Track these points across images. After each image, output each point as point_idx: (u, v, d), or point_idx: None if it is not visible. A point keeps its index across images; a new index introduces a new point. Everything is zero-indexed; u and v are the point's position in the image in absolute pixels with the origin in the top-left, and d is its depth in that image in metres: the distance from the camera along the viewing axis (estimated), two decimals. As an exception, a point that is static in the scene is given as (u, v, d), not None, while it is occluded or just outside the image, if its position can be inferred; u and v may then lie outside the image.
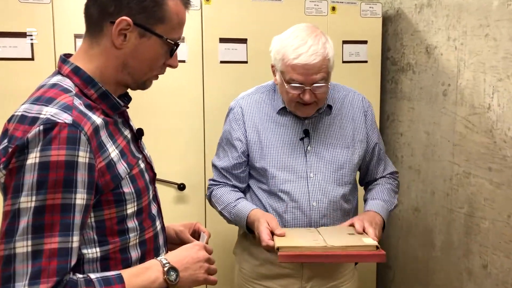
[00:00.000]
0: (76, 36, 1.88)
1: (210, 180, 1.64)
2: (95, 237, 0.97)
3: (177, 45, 1.03)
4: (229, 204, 1.52)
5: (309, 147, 1.52)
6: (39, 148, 0.86)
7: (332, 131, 1.55)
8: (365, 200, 1.63)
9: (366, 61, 2.33)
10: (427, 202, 2.21)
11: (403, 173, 2.34)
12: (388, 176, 1.67)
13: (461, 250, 1.99)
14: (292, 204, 1.49)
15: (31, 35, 1.82)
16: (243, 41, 2.10)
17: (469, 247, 1.95)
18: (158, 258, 1.02)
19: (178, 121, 2.10)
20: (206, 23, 2.03)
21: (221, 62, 2.09)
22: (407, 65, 2.30)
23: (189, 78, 2.07)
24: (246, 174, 1.58)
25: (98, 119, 0.96)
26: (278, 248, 1.27)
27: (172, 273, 0.99)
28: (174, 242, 1.24)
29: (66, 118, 0.89)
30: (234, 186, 1.58)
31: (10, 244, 0.86)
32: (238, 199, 1.52)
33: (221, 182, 1.59)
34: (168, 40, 1.01)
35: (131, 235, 1.02)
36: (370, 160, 1.63)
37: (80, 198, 0.90)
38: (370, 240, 1.32)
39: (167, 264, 0.99)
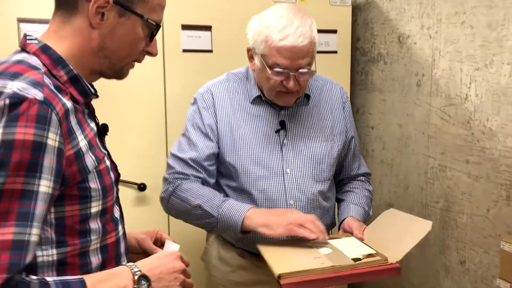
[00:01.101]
0: (20, 20, 1.68)
1: (171, 173, 1.39)
2: (53, 236, 0.84)
3: (158, 27, 0.95)
4: (214, 197, 1.31)
5: (285, 140, 1.39)
6: (2, 124, 0.75)
7: (310, 123, 1.43)
8: (341, 201, 1.52)
9: (335, 51, 2.23)
10: (400, 197, 2.14)
11: (374, 167, 2.26)
12: (363, 179, 1.57)
13: (437, 246, 1.93)
14: (267, 203, 1.35)
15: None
16: (208, 28, 1.94)
17: (446, 242, 1.88)
18: (128, 264, 0.89)
19: (137, 115, 1.93)
20: (167, 8, 1.83)
21: (184, 50, 1.93)
22: (378, 56, 2.21)
23: (149, 68, 1.90)
24: (215, 169, 1.42)
25: (68, 103, 0.85)
26: (279, 276, 1.09)
27: (143, 282, 0.87)
28: (135, 251, 1.11)
29: (37, 94, 0.78)
30: (205, 182, 1.40)
31: None
32: (225, 197, 1.36)
33: (190, 175, 1.37)
34: (149, 21, 0.93)
35: (93, 237, 0.90)
36: (345, 156, 1.52)
37: (45, 185, 0.78)
38: (370, 250, 1.22)
39: (138, 272, 0.87)
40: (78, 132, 0.86)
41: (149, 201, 1.98)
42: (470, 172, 1.75)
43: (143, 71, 1.91)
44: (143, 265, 0.91)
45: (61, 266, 0.85)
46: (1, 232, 0.73)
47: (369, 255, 1.17)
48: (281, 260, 1.16)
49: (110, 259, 0.93)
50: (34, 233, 0.76)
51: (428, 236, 1.96)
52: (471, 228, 1.76)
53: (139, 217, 1.97)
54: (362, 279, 1.18)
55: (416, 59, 1.98)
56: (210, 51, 1.96)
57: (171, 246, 1.11)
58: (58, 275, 0.84)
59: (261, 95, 1.40)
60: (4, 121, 0.75)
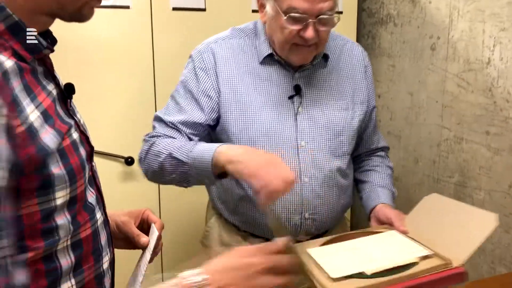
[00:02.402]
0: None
1: (150, 133, 1.21)
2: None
3: None
4: (186, 144, 1.12)
5: (300, 108, 1.20)
6: None
7: (328, 88, 1.25)
8: (363, 182, 1.35)
9: (340, 12, 2.03)
10: (408, 171, 1.98)
11: (380, 139, 2.10)
12: (383, 154, 1.41)
13: (450, 224, 1.79)
14: None
15: None
16: (200, -17, 1.74)
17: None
18: (192, 272, 0.68)
19: (123, 81, 1.74)
20: (154, -41, 1.66)
21: (174, 9, 1.73)
22: (387, 17, 2.02)
23: (135, 28, 1.70)
24: (198, 140, 1.22)
25: (8, 62, 0.64)
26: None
27: None
28: (115, 236, 0.93)
29: None
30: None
31: None
32: (197, 142, 1.15)
33: (168, 136, 1.18)
34: None
35: (62, 235, 0.70)
36: (365, 127, 1.35)
37: None
38: (425, 251, 0.98)
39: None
40: (26, 101, 0.65)
41: (138, 176, 1.82)
42: (490, 145, 1.59)
43: (130, 31, 1.72)
44: (211, 269, 0.69)
45: None
46: None
47: (425, 257, 0.95)
48: (324, 263, 0.94)
49: (87, 257, 0.75)
50: None
51: (440, 213, 1.82)
52: (490, 205, 1.61)
53: (126, 194, 1.81)
54: None
55: (430, 20, 1.80)
56: (203, 9, 1.76)
57: (154, 232, 0.94)
58: None
59: (273, 53, 1.20)
60: None
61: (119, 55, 1.70)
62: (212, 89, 1.19)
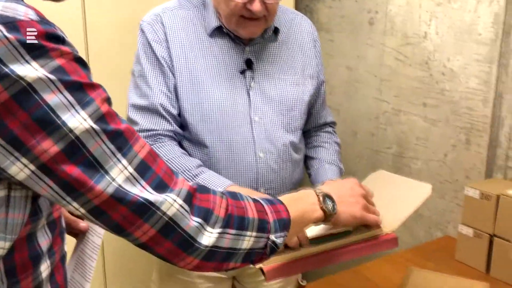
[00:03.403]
0: None
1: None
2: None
3: None
4: (187, 171, 1.07)
5: (252, 83, 1.18)
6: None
7: (279, 63, 1.22)
8: (311, 159, 1.35)
9: (279, -14, 2.00)
10: (348, 144, 2.03)
11: (319, 113, 2.13)
12: (331, 130, 1.41)
13: (389, 193, 1.87)
14: (233, 157, 1.15)
15: None
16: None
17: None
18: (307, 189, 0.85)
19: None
20: None
21: (107, -23, 1.60)
22: (325, -9, 2.03)
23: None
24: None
25: None
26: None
27: (328, 202, 0.82)
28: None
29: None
30: (176, 134, 1.15)
31: None
32: (199, 166, 1.11)
33: (160, 132, 1.12)
34: None
35: (44, 213, 0.64)
36: (314, 102, 1.34)
37: None
38: None
39: (321, 193, 0.82)
40: None
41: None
42: (427, 116, 1.66)
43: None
44: (323, 187, 0.86)
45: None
46: None
47: (359, 227, 0.98)
48: None
49: (56, 238, 0.68)
50: None
51: (379, 184, 1.89)
52: (426, 174, 1.70)
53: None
54: (356, 256, 0.93)
55: (369, -6, 1.82)
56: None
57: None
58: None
59: (222, 25, 1.16)
60: None
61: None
62: (168, 58, 1.13)
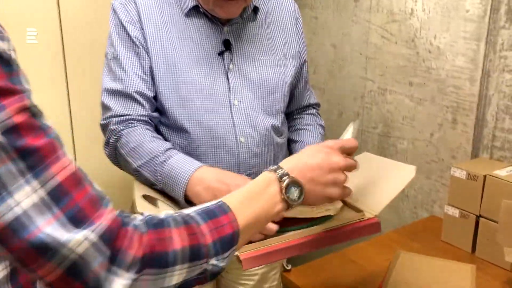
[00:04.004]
0: None
1: (108, 118, 1.07)
2: None
3: None
4: (154, 157, 1.01)
5: (231, 64, 1.12)
6: None
7: (259, 43, 1.17)
8: (294, 142, 1.31)
9: (261, -40, 1.93)
10: (333, 124, 2.00)
11: (304, 93, 2.09)
12: (314, 112, 1.37)
13: (374, 174, 1.85)
14: (213, 142, 1.11)
15: None
16: None
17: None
18: (271, 168, 0.73)
19: (27, 46, 1.53)
20: None
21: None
22: (309, -34, 1.96)
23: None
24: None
25: None
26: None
27: (293, 189, 0.71)
28: None
29: None
30: (150, 120, 1.10)
31: None
32: (167, 149, 1.03)
33: (133, 117, 1.06)
34: None
35: None
36: (297, 83, 1.29)
37: None
38: (339, 204, 0.96)
39: (286, 178, 0.71)
40: None
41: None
42: (413, 95, 1.64)
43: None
44: (290, 166, 0.73)
45: None
46: None
47: (341, 211, 0.95)
48: None
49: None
50: None
51: (365, 164, 1.87)
52: (412, 153, 1.68)
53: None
54: (337, 242, 0.89)
55: (354, -31, 1.77)
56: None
57: None
58: None
59: (199, 5, 1.10)
60: None
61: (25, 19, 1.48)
62: (142, 38, 1.07)
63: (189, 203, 0.96)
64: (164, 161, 0.99)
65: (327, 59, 1.96)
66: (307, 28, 2.02)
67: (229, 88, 1.11)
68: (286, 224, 0.86)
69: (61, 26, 1.58)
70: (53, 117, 1.67)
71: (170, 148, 1.03)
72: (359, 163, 1.03)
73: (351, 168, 0.81)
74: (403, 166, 0.99)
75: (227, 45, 1.11)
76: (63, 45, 1.60)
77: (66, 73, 1.63)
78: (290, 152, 1.32)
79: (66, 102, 1.67)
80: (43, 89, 1.60)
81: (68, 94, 1.67)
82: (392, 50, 1.67)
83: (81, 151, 1.70)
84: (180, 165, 0.97)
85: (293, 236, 0.84)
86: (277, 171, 0.72)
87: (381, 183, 0.97)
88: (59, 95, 1.65)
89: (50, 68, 1.61)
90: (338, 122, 1.97)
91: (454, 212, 1.38)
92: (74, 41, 1.60)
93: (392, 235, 1.46)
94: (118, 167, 1.11)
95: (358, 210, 0.92)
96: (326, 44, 1.95)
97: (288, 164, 0.74)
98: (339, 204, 0.95)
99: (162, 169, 0.98)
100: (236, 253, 0.78)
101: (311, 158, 0.76)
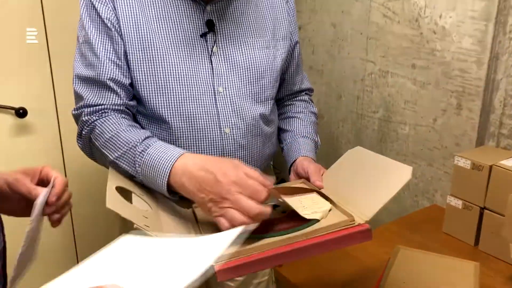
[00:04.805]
0: None
1: (81, 107, 0.98)
2: None
3: None
4: (133, 147, 0.92)
5: (215, 47, 1.03)
6: None
7: (246, 24, 1.07)
8: (284, 132, 1.22)
9: None
10: (331, 107, 1.92)
11: (302, 74, 2.00)
12: (307, 99, 1.28)
13: (374, 160, 1.78)
14: (195, 134, 1.02)
15: None
16: None
17: (384, 155, 1.72)
18: None
19: (8, 20, 1.44)
20: None
21: None
22: None
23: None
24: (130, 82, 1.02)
25: None
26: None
27: None
28: (6, 197, 0.76)
29: None
30: (127, 109, 1.01)
31: None
32: (146, 138, 0.94)
33: (107, 106, 0.97)
34: None
35: None
36: (288, 66, 1.20)
37: None
38: (327, 206, 0.85)
39: None
40: None
41: (33, 129, 1.57)
42: (416, 78, 1.55)
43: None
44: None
45: None
46: None
47: (329, 214, 0.84)
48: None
49: None
50: None
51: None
52: (414, 139, 1.60)
53: (21, 150, 1.56)
54: (323, 251, 0.77)
55: None
56: None
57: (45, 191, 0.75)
58: None
59: None
60: None
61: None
62: (115, 20, 0.97)
63: (174, 194, 0.88)
64: (143, 150, 0.90)
65: (326, 39, 1.86)
66: (305, 5, 1.92)
67: (213, 73, 1.02)
68: (265, 230, 0.78)
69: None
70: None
71: (149, 137, 0.94)
72: (351, 158, 0.92)
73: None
74: (399, 166, 0.88)
75: (210, 26, 1.01)
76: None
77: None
78: (279, 141, 1.24)
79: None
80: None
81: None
82: (395, 30, 1.58)
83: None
84: (161, 154, 0.88)
85: (274, 245, 0.74)
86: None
87: (374, 183, 0.88)
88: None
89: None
90: (337, 106, 1.89)
91: (457, 203, 1.31)
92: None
93: (392, 226, 1.40)
94: (93, 160, 1.03)
95: (348, 215, 0.82)
96: (326, 23, 1.85)
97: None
98: (327, 206, 0.85)
99: (141, 160, 0.89)
100: (211, 263, 0.70)
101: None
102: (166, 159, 0.86)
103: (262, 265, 0.72)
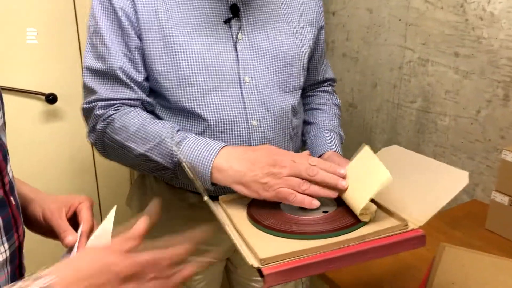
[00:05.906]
0: None
1: (92, 102, 0.93)
2: None
3: None
4: (165, 139, 0.86)
5: (240, 34, 0.97)
6: None
7: (272, 9, 1.01)
8: (308, 124, 1.16)
9: None
10: (366, 97, 1.86)
11: (334, 62, 1.93)
12: (330, 90, 1.22)
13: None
14: (221, 126, 0.96)
15: None
16: None
17: (421, 148, 1.66)
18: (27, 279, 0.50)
19: (38, 5, 1.42)
20: None
21: None
22: None
23: None
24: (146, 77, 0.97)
25: None
26: (261, 263, 0.65)
27: None
28: (38, 225, 0.74)
29: None
30: (142, 105, 0.96)
31: None
32: (178, 131, 0.90)
33: (118, 100, 0.92)
34: None
35: None
36: (313, 54, 1.13)
37: None
38: (373, 207, 0.78)
39: None
40: None
41: (62, 115, 1.55)
42: (459, 67, 1.47)
43: None
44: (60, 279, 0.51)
45: None
46: None
47: (376, 217, 0.78)
48: (255, 239, 0.71)
49: None
50: None
51: (399, 140, 1.73)
52: (455, 131, 1.53)
53: (50, 136, 1.54)
54: (377, 256, 0.71)
55: None
56: None
57: (74, 248, 0.70)
58: None
59: None
60: None
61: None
62: (132, 13, 0.91)
63: (214, 185, 0.84)
64: (180, 141, 0.86)
65: (362, 25, 1.79)
66: (340, -9, 1.85)
67: (238, 62, 0.96)
68: (308, 230, 0.73)
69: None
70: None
71: (179, 129, 0.90)
72: (388, 158, 0.85)
73: (137, 267, 0.57)
74: (455, 171, 0.81)
75: (234, 11, 0.95)
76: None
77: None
78: (301, 133, 1.19)
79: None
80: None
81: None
82: (437, 17, 1.50)
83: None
84: (202, 144, 0.84)
85: (326, 248, 0.68)
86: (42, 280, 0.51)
87: (427, 187, 0.80)
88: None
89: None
90: (372, 95, 1.82)
91: (502, 199, 1.24)
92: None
93: (432, 221, 1.32)
94: (104, 155, 0.98)
95: (401, 219, 0.76)
96: (361, 7, 1.78)
97: (59, 272, 0.53)
98: (373, 208, 0.78)
99: (180, 150, 0.85)
100: (257, 265, 0.65)
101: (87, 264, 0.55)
102: (210, 146, 0.84)
103: (314, 269, 0.67)
